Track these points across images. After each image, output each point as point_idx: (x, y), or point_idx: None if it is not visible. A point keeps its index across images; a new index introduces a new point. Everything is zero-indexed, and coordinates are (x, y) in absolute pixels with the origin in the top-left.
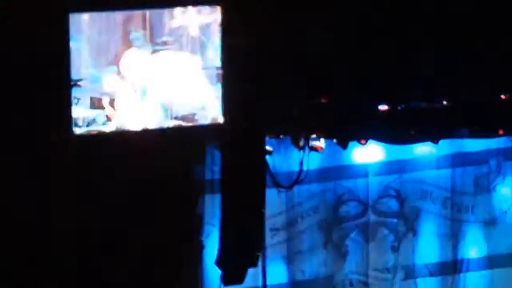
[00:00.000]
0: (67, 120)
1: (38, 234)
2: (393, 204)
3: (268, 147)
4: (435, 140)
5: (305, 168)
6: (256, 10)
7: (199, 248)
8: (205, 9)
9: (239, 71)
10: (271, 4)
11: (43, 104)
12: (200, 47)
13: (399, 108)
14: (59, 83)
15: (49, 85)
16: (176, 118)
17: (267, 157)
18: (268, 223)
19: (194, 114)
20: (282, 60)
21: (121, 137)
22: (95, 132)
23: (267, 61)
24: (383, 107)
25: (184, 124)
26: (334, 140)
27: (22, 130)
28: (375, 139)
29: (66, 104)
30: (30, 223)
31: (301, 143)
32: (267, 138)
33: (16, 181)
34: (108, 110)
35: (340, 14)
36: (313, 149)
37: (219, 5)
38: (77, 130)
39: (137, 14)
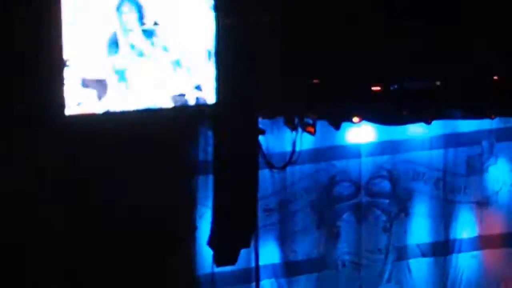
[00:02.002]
0: (60, 101)
1: (26, 219)
2: (386, 185)
3: (261, 127)
4: (427, 121)
5: (298, 149)
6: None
7: (192, 229)
8: None
9: (232, 51)
10: None
11: (34, 85)
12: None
13: (391, 88)
14: (51, 64)
15: (41, 67)
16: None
17: (260, 138)
18: (261, 204)
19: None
20: (274, 41)
21: (113, 118)
22: (86, 114)
23: (260, 42)
24: (375, 88)
25: (176, 104)
26: (327, 121)
27: (14, 112)
28: (367, 119)
29: (58, 85)
30: (19, 207)
31: (294, 124)
32: (260, 119)
33: (6, 163)
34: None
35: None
36: (305, 130)
37: None
38: (68, 111)
39: None
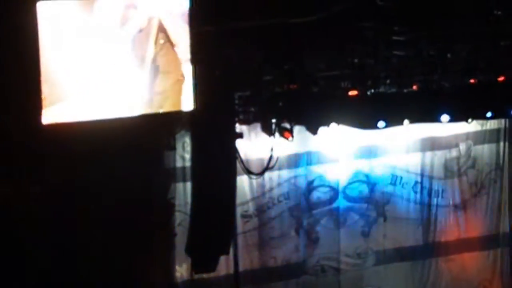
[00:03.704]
0: (36, 110)
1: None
2: (364, 189)
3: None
4: (404, 125)
5: (275, 154)
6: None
7: (171, 236)
8: None
9: (209, 58)
10: None
11: (12, 94)
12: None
13: (368, 93)
14: (27, 75)
15: (17, 77)
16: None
17: (238, 144)
18: (239, 210)
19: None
20: (251, 47)
21: (90, 127)
22: (63, 122)
23: (236, 49)
24: (352, 93)
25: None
26: (304, 126)
27: None
28: (345, 124)
29: (35, 94)
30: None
31: (271, 130)
32: (237, 125)
33: None
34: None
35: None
36: (283, 135)
37: None
38: (45, 120)
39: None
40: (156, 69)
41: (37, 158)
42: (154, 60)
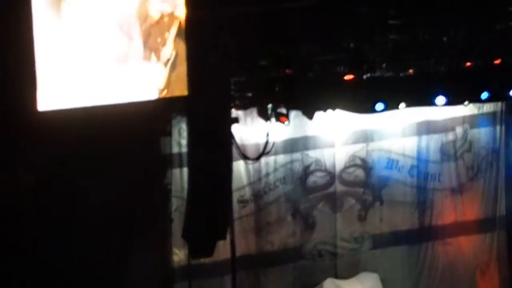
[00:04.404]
0: (33, 97)
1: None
2: (360, 174)
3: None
4: (401, 108)
5: (271, 139)
6: None
7: (168, 222)
8: None
9: (204, 43)
10: None
11: (6, 81)
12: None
13: (364, 77)
14: (22, 61)
15: (12, 63)
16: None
17: (234, 129)
18: (236, 195)
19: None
20: (247, 32)
21: (86, 113)
22: (59, 109)
23: (232, 33)
24: (348, 77)
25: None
26: (300, 111)
27: None
28: (341, 108)
29: (30, 81)
30: None
31: (267, 114)
32: (233, 110)
33: None
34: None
35: None
36: (279, 120)
37: None
38: (41, 107)
39: None
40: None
41: (32, 145)
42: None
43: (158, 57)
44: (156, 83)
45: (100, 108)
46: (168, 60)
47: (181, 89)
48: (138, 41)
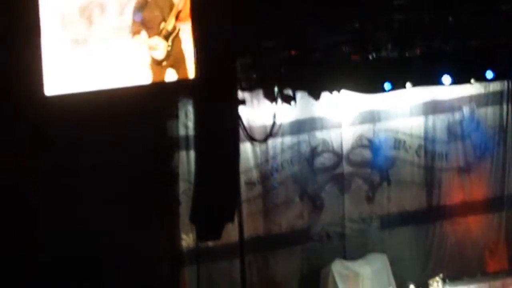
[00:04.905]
0: (39, 82)
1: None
2: (367, 154)
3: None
4: (407, 88)
5: (278, 121)
6: None
7: (175, 204)
8: None
9: (210, 27)
10: None
11: (14, 66)
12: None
13: (370, 57)
14: (29, 46)
15: (19, 49)
16: None
17: (240, 111)
18: (243, 178)
19: None
20: (252, 14)
21: (93, 97)
22: (66, 94)
23: (237, 15)
24: (354, 57)
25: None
26: (306, 92)
27: None
28: (347, 89)
29: (37, 66)
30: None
31: (274, 96)
32: (239, 92)
33: None
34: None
35: None
36: (285, 101)
37: None
38: (48, 91)
39: None
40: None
41: (40, 130)
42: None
43: (157, 31)
44: (156, 54)
45: (106, 92)
46: (169, 34)
47: (180, 62)
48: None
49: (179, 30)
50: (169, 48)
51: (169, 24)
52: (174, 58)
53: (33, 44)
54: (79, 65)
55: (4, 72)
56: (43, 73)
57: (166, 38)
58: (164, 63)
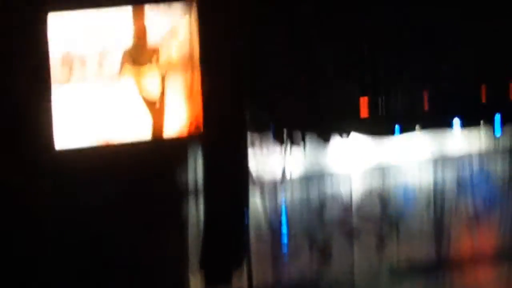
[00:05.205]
0: (49, 136)
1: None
2: (376, 205)
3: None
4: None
5: (288, 168)
6: (232, 9)
7: (184, 250)
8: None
9: (218, 70)
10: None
11: (23, 119)
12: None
13: (379, 100)
14: (39, 97)
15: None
16: None
17: (249, 155)
18: (252, 225)
19: None
20: (261, 56)
21: (102, 151)
22: (76, 148)
23: (247, 58)
24: (363, 100)
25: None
26: (316, 136)
27: (2, 147)
28: (356, 131)
29: (47, 118)
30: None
31: (283, 139)
32: (248, 135)
33: None
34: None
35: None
36: (295, 145)
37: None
38: (58, 146)
39: None
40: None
41: (50, 183)
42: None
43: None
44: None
45: (116, 146)
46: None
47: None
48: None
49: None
50: (162, 90)
51: (162, 67)
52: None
53: (44, 98)
54: (89, 120)
55: (15, 125)
56: (54, 127)
57: (161, 81)
58: (157, 105)
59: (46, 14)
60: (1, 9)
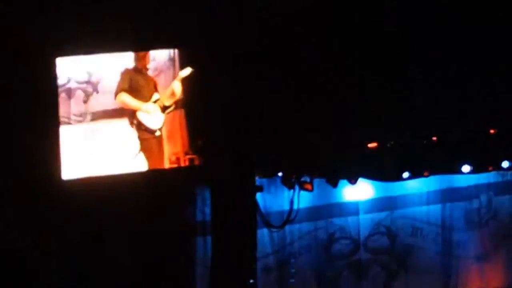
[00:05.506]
0: (57, 166)
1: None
2: (385, 241)
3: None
4: (425, 176)
5: (295, 207)
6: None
7: None
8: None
9: (225, 113)
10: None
11: (31, 150)
12: None
13: (388, 145)
14: (47, 129)
15: (37, 131)
16: None
17: (258, 197)
18: (260, 263)
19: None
20: (270, 101)
21: (109, 181)
22: (83, 178)
23: (256, 102)
24: (372, 145)
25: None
26: (324, 179)
27: (12, 176)
28: (365, 177)
29: (55, 149)
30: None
31: (291, 182)
32: (257, 178)
33: (7, 228)
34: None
35: (326, 50)
36: (303, 188)
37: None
38: (66, 176)
39: None
40: None
41: (57, 212)
42: None
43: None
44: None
45: (123, 176)
46: (165, 107)
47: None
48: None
49: (174, 107)
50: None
51: (166, 99)
52: (168, 133)
53: (52, 130)
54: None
55: (24, 157)
56: (61, 158)
57: (162, 110)
58: (158, 132)
59: (55, 59)
60: (14, 54)
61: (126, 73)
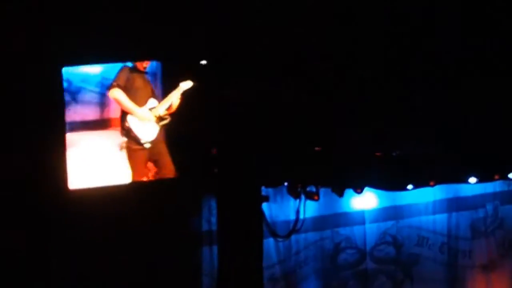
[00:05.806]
0: (63, 176)
1: None
2: (391, 251)
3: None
4: (430, 185)
5: (301, 216)
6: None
7: None
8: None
9: (232, 122)
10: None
11: (38, 159)
12: None
13: (393, 154)
14: (54, 138)
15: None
16: None
17: (264, 206)
18: (266, 274)
19: None
20: (275, 110)
21: (116, 191)
22: (90, 187)
23: (262, 111)
24: (377, 154)
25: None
26: (330, 188)
27: (18, 186)
28: (370, 186)
29: (61, 158)
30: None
31: (297, 192)
32: (263, 188)
33: (12, 237)
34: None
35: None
36: (309, 197)
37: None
38: (72, 185)
39: None
40: None
41: (63, 222)
42: None
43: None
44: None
45: (128, 185)
46: (161, 119)
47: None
48: None
49: (169, 120)
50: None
51: (161, 109)
52: (156, 151)
53: (58, 141)
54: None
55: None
56: (67, 167)
57: (157, 121)
58: (148, 145)
59: (60, 68)
60: (21, 64)
61: (124, 71)
